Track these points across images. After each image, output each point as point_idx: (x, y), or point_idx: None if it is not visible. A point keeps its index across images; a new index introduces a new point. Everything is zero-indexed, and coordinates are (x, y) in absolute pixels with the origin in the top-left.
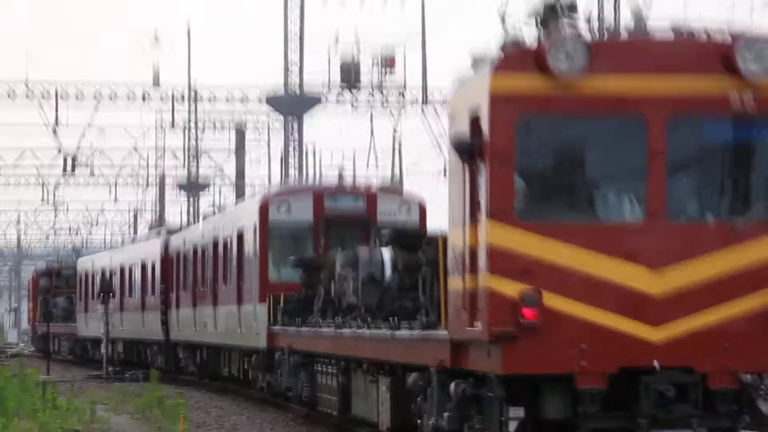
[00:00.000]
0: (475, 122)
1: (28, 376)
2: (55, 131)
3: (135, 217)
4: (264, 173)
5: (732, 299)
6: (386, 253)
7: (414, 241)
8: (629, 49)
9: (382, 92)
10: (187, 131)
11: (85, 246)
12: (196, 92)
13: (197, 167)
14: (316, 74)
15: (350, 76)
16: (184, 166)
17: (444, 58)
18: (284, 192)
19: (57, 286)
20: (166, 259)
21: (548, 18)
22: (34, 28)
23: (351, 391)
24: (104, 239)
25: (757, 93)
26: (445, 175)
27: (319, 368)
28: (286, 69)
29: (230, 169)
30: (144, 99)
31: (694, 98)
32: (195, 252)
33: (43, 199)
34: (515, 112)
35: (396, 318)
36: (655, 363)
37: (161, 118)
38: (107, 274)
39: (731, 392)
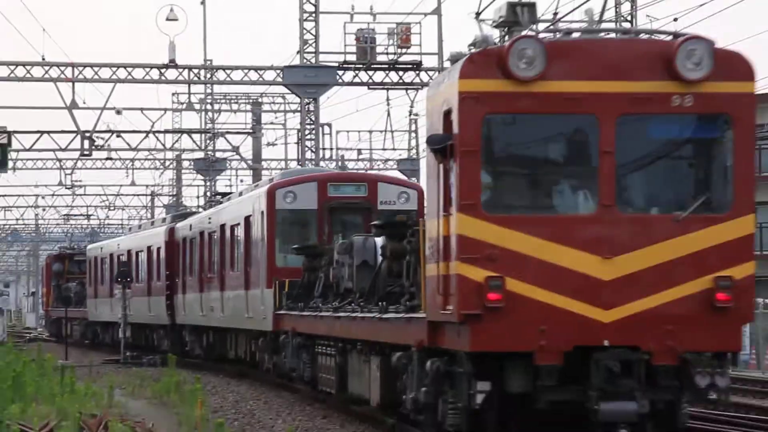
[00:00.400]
0: (446, 121)
1: (47, 360)
2: (71, 113)
3: (152, 199)
4: (281, 155)
5: (674, 285)
6: (379, 241)
7: (401, 229)
8: (583, 53)
9: (397, 71)
10: (203, 113)
11: (102, 229)
12: (212, 73)
13: (214, 149)
14: (332, 54)
15: (366, 56)
16: (200, 147)
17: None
18: (290, 181)
19: (70, 271)
20: (170, 244)
21: (510, 21)
22: (50, 9)
23: (347, 371)
24: (121, 222)
25: (695, 94)
26: None
27: (320, 349)
28: (302, 48)
29: (247, 152)
30: (160, 80)
31: (640, 99)
32: (201, 238)
33: (60, 182)
34: (482, 113)
35: (385, 302)
36: (606, 342)
37: (177, 99)
38: (116, 260)
39: (672, 369)
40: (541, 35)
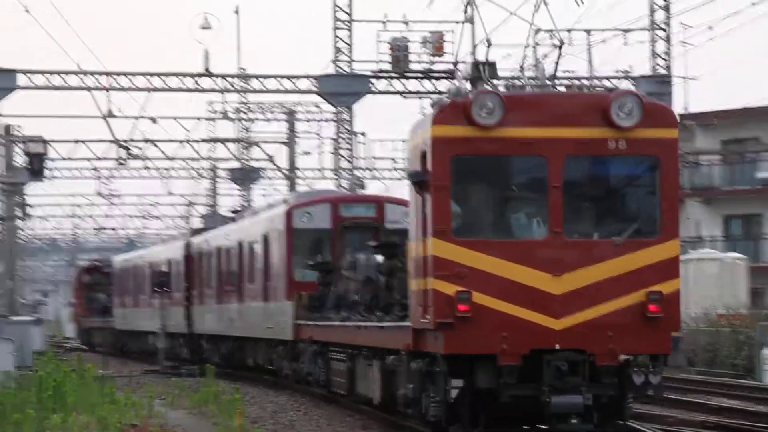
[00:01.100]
0: (422, 160)
1: (87, 370)
2: (107, 122)
3: (188, 209)
4: (316, 164)
5: (613, 298)
6: (377, 257)
7: (394, 249)
8: (534, 104)
9: (431, 79)
10: (238, 122)
11: (139, 238)
12: (246, 82)
13: (249, 158)
14: (366, 63)
15: (399, 64)
16: (235, 157)
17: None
18: (305, 202)
19: (99, 282)
20: (188, 258)
21: (475, 76)
22: (86, 18)
23: (355, 374)
24: (158, 231)
25: (628, 139)
26: None
27: (333, 356)
28: (336, 56)
29: (282, 161)
30: (195, 89)
31: (583, 143)
32: (219, 253)
33: (97, 192)
34: (450, 154)
35: (382, 312)
36: (557, 346)
37: (212, 108)
38: (140, 272)
39: (613, 368)
40: (500, 89)
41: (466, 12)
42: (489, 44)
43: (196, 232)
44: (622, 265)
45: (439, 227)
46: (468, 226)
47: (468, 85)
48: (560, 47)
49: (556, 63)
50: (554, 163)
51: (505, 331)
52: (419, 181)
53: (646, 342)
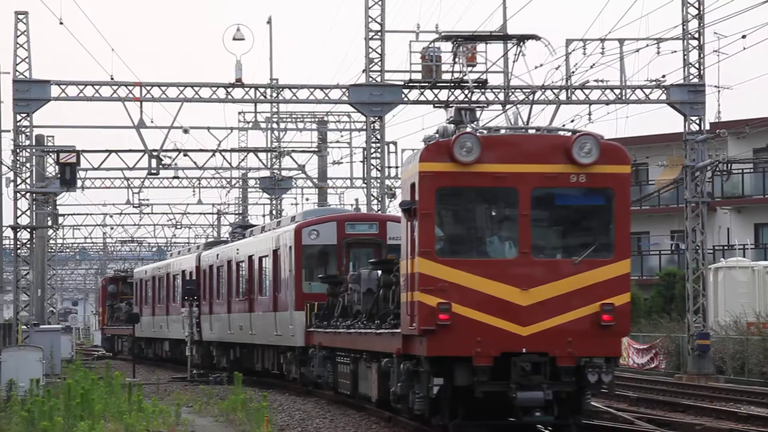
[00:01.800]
0: (412, 191)
1: (115, 378)
2: (139, 132)
3: (218, 218)
4: (346, 173)
5: (572, 309)
6: (377, 273)
7: (390, 266)
8: (507, 144)
9: (462, 89)
10: (269, 132)
11: (169, 248)
12: (278, 92)
13: (280, 167)
14: (398, 73)
15: (431, 74)
16: (266, 166)
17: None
18: (313, 221)
19: (123, 292)
20: (198, 270)
21: (457, 120)
22: (119, 29)
23: (358, 376)
24: (188, 240)
25: (587, 174)
26: None
27: (339, 359)
28: (367, 66)
29: (312, 170)
30: (227, 99)
31: (548, 177)
32: (229, 266)
33: (127, 201)
34: (435, 186)
35: (379, 321)
36: (523, 349)
37: (244, 118)
38: (158, 282)
39: (571, 368)
40: (478, 131)
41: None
42: (479, 83)
43: (209, 246)
44: (580, 281)
45: (424, 248)
46: (449, 247)
47: (452, 127)
48: (532, 103)
49: (529, 112)
50: (523, 194)
51: (479, 337)
52: (408, 209)
53: (599, 346)
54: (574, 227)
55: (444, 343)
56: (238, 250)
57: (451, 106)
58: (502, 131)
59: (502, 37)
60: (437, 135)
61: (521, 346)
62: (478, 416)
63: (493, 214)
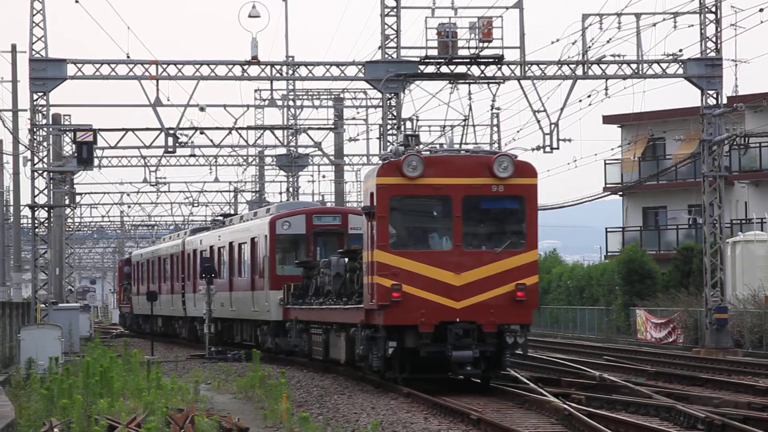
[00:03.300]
0: (371, 199)
1: (133, 356)
2: (156, 110)
3: (235, 195)
4: (363, 150)
5: (494, 288)
6: (344, 260)
7: (355, 254)
8: (444, 162)
9: (479, 65)
10: (285, 109)
11: (186, 225)
12: (294, 69)
13: (296, 145)
14: (414, 49)
15: (447, 50)
16: (283, 143)
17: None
18: (286, 213)
19: None
20: (183, 255)
21: (406, 144)
22: (135, 7)
23: (329, 343)
24: (205, 218)
25: (504, 184)
26: (543, 151)
27: (313, 331)
28: (383, 43)
29: (329, 147)
30: (243, 77)
31: (475, 187)
32: (212, 251)
33: (144, 179)
34: (389, 195)
35: (346, 298)
36: (457, 319)
37: (260, 95)
38: (151, 264)
39: (493, 333)
40: (422, 152)
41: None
42: (417, 119)
43: (194, 232)
44: (500, 267)
45: (381, 243)
46: (400, 241)
47: (402, 148)
48: (465, 125)
49: (463, 135)
50: (456, 200)
51: (423, 310)
52: (369, 212)
53: (515, 316)
54: (495, 225)
55: (396, 314)
56: (219, 237)
57: (402, 132)
58: (440, 152)
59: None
60: (391, 155)
61: (455, 316)
62: (421, 371)
63: (433, 215)
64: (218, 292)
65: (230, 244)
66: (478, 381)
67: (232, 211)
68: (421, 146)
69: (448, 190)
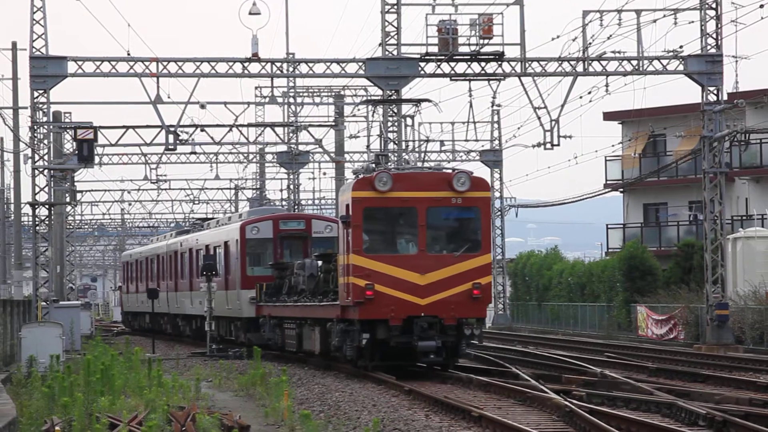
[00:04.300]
0: (347, 209)
1: (134, 354)
2: (156, 108)
3: (236, 193)
4: (363, 147)
5: (454, 287)
6: (318, 262)
7: (329, 258)
8: (410, 178)
9: (479, 62)
10: (286, 106)
11: (187, 222)
12: (294, 66)
13: (297, 142)
14: (414, 46)
15: (448, 47)
16: (283, 141)
17: (542, 21)
18: (255, 219)
19: None
20: (167, 255)
21: (377, 163)
22: (135, 4)
23: (303, 336)
24: (206, 216)
25: (462, 197)
26: (543, 147)
27: (286, 326)
28: (384, 40)
29: (329, 144)
30: (243, 74)
31: (437, 199)
32: (190, 253)
33: (145, 177)
34: (362, 206)
35: (321, 296)
36: (422, 313)
37: (260, 92)
38: (139, 264)
39: (453, 326)
40: (392, 170)
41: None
42: (387, 142)
43: (177, 234)
44: (459, 268)
45: (356, 248)
46: (372, 246)
47: (373, 165)
48: (427, 142)
49: (423, 159)
50: (421, 211)
51: (393, 306)
52: (345, 221)
53: (472, 311)
54: (454, 232)
55: (369, 310)
56: (197, 240)
57: (373, 152)
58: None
59: (395, 100)
60: (364, 172)
61: (420, 311)
62: (389, 359)
63: (401, 224)
64: (196, 292)
65: (206, 246)
66: (438, 368)
67: (233, 209)
68: (390, 164)
69: (413, 202)
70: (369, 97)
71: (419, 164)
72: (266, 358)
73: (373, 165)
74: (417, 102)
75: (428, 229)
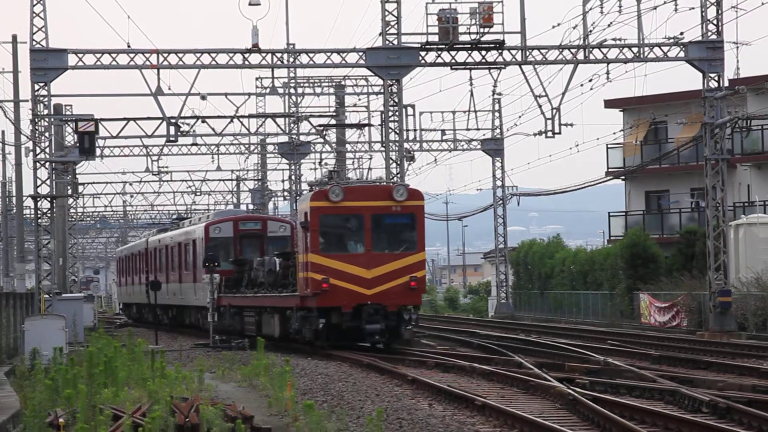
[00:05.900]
0: (305, 216)
1: (137, 345)
2: (157, 99)
3: (237, 184)
4: (365, 137)
5: (395, 279)
6: (276, 259)
7: (288, 256)
8: (359, 190)
9: (480, 51)
10: (286, 97)
11: (189, 214)
12: (295, 57)
13: (298, 132)
14: (414, 35)
15: (448, 36)
16: (284, 131)
17: (542, 9)
18: (218, 221)
19: None
20: (147, 252)
21: (330, 177)
22: None
23: (262, 323)
24: (208, 207)
25: (401, 206)
26: (544, 136)
27: (246, 314)
28: (384, 29)
29: (330, 134)
30: (244, 65)
31: (380, 208)
32: (167, 249)
33: (147, 169)
34: (318, 214)
35: (281, 288)
36: (369, 302)
37: (261, 83)
38: (130, 259)
39: (395, 312)
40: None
41: None
42: (338, 157)
43: (158, 232)
44: (399, 264)
45: (313, 248)
46: (326, 247)
47: (327, 178)
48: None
49: (368, 174)
50: (367, 217)
51: (345, 296)
52: (304, 226)
53: (410, 299)
54: (395, 235)
55: (325, 299)
56: (172, 237)
57: (327, 168)
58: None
59: (355, 125)
60: (318, 185)
61: (367, 300)
62: (341, 340)
63: (351, 228)
64: (171, 284)
65: (179, 244)
66: (381, 346)
67: (235, 200)
68: (341, 179)
69: (361, 210)
70: (334, 112)
71: (364, 179)
72: (269, 349)
73: (326, 179)
74: (360, 126)
75: (373, 232)
